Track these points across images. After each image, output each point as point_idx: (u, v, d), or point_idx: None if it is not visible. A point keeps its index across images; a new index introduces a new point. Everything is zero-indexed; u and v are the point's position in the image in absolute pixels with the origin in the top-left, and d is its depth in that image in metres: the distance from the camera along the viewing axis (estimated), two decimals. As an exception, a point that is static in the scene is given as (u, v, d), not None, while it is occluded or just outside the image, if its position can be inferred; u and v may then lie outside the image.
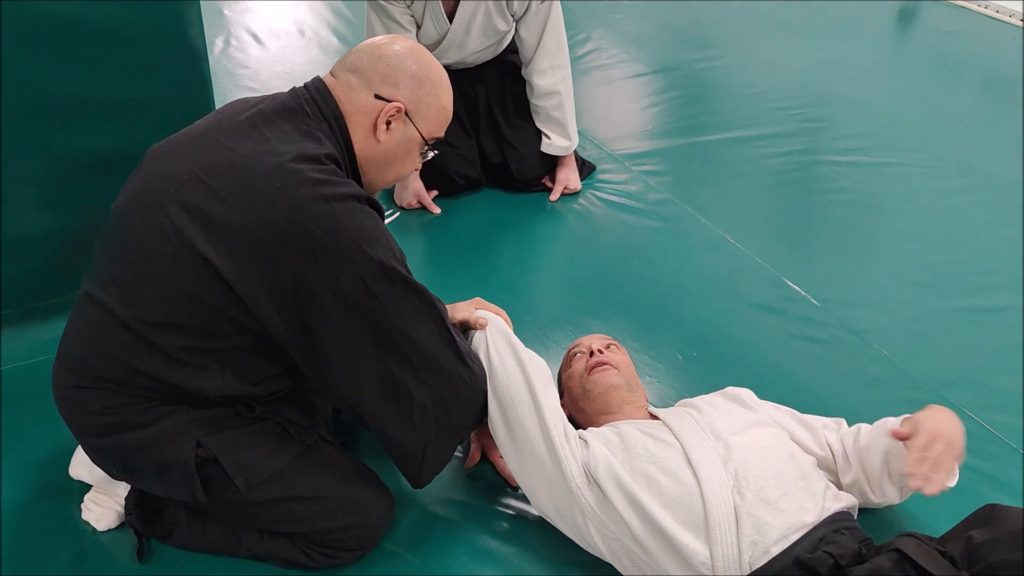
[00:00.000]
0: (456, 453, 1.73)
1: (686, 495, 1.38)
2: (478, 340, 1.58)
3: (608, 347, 1.78)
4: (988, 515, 1.31)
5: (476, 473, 1.73)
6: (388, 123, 1.43)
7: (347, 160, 1.42)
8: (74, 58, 1.81)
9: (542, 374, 1.56)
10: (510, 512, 1.66)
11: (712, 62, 3.65)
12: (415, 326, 1.39)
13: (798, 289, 2.29)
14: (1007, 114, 3.39)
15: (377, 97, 1.41)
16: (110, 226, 1.39)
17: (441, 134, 1.52)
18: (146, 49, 1.87)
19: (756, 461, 1.41)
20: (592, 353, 1.74)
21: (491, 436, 1.65)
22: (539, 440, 1.50)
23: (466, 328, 1.62)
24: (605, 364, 1.70)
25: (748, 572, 1.31)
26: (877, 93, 3.42)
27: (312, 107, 1.40)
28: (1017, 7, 4.15)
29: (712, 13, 4.20)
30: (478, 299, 1.68)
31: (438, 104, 1.47)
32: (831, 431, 1.60)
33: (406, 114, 1.43)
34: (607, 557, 1.47)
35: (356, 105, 1.42)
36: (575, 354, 1.79)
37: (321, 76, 1.45)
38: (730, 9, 4.24)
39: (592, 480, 1.45)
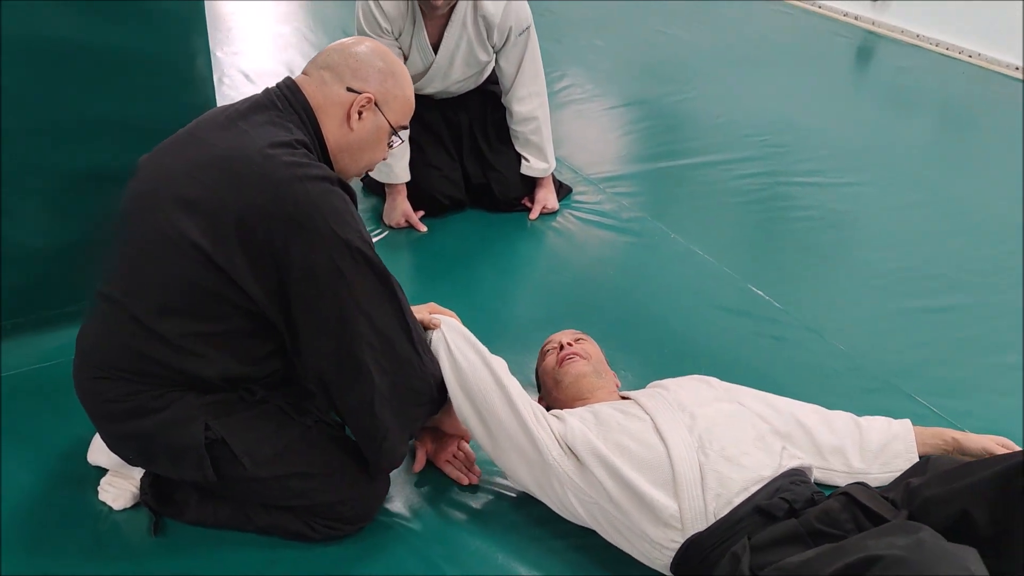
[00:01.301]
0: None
1: (655, 458, 1.52)
2: (436, 339, 1.65)
3: (577, 340, 1.90)
4: (924, 465, 1.47)
5: (422, 480, 1.80)
6: (360, 113, 1.55)
7: (318, 147, 1.53)
8: (91, 82, 1.95)
9: (502, 364, 1.67)
10: (499, 487, 1.78)
11: (681, 95, 3.85)
12: (376, 308, 1.48)
13: (761, 294, 2.46)
14: (955, 139, 3.63)
15: (349, 90, 1.54)
16: (114, 228, 1.53)
17: (406, 123, 1.63)
18: (156, 74, 2.01)
19: (718, 426, 1.57)
20: (562, 347, 1.87)
21: (435, 442, 1.78)
22: (513, 424, 1.61)
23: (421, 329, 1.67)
24: (573, 355, 1.83)
25: (713, 521, 1.45)
26: (837, 122, 3.63)
27: (283, 101, 1.52)
28: (966, 45, 4.40)
29: (681, 51, 4.42)
30: (431, 304, 1.76)
31: (403, 96, 1.60)
32: (850, 455, 1.73)
33: (376, 105, 1.56)
34: (587, 521, 1.60)
35: (330, 98, 1.54)
36: (547, 350, 1.92)
37: (291, 76, 1.58)
38: (699, 47, 4.47)
39: (569, 451, 1.59)
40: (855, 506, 1.38)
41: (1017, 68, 4.20)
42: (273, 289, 1.44)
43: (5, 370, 2.03)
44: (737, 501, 1.46)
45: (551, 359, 1.88)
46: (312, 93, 1.54)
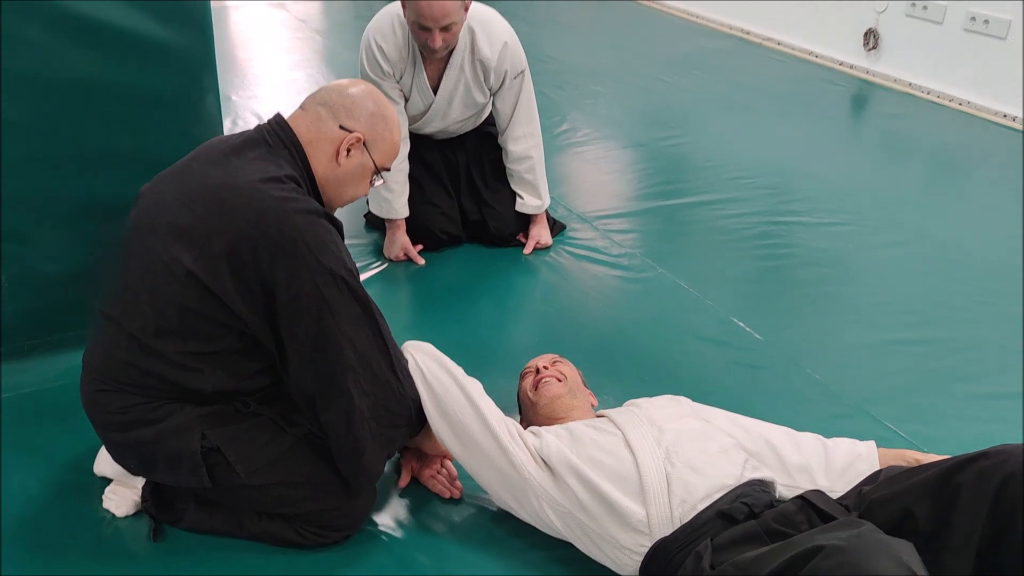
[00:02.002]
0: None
1: (624, 468, 1.62)
2: (412, 368, 1.73)
3: (554, 363, 2.00)
4: (877, 476, 1.56)
5: (407, 492, 1.90)
6: (348, 151, 1.66)
7: (307, 181, 1.64)
8: (104, 117, 2.08)
9: (476, 386, 1.76)
10: (481, 501, 1.87)
11: (676, 140, 3.97)
12: (357, 333, 1.57)
13: (742, 325, 2.56)
14: (942, 183, 3.73)
15: (341, 127, 1.65)
16: (115, 253, 1.65)
17: (389, 165, 1.74)
18: (168, 111, 2.14)
19: (684, 438, 1.66)
20: (538, 371, 1.97)
21: (419, 460, 1.88)
22: (488, 442, 1.70)
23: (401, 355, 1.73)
24: (548, 377, 1.93)
25: (678, 525, 1.54)
26: (827, 166, 3.73)
27: (273, 138, 1.63)
28: (956, 93, 4.53)
29: (679, 98, 4.55)
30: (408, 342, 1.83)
31: (390, 139, 1.71)
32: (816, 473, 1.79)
33: (364, 144, 1.67)
34: (563, 532, 1.68)
35: (323, 133, 1.65)
36: (525, 373, 2.02)
37: (281, 113, 1.69)
38: (696, 95, 4.60)
39: (544, 465, 1.68)
40: (810, 508, 1.47)
41: (1006, 116, 4.32)
42: (262, 311, 1.54)
43: (19, 388, 2.15)
44: (701, 507, 1.55)
45: (528, 382, 1.98)
46: (304, 129, 1.65)
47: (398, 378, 1.66)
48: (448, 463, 1.91)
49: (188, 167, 1.62)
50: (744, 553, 1.39)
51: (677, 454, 1.63)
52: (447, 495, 1.87)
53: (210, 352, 1.60)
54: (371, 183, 1.75)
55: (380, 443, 1.67)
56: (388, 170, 1.76)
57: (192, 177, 1.59)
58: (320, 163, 1.66)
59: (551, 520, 1.68)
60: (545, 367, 1.97)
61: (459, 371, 1.77)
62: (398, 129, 1.73)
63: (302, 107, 1.70)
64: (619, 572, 1.64)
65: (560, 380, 1.93)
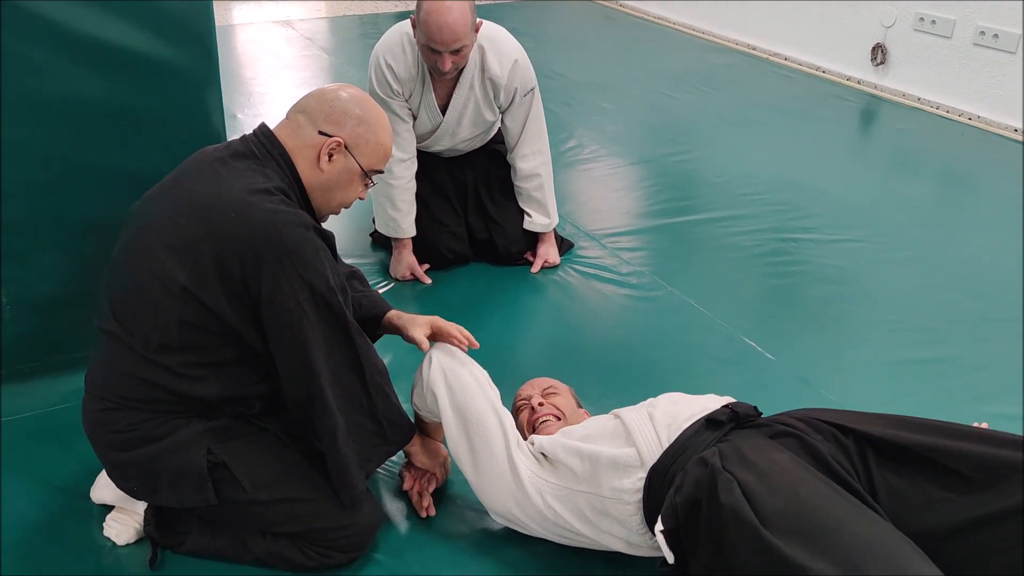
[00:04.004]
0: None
1: (612, 429, 1.68)
2: (431, 365, 1.78)
3: (546, 392, 1.98)
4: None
5: (414, 514, 1.90)
6: (331, 155, 1.65)
7: (296, 190, 1.64)
8: (109, 137, 2.08)
9: (496, 392, 1.79)
10: (488, 525, 1.85)
11: (684, 156, 3.96)
12: (333, 349, 1.58)
13: (753, 344, 2.53)
14: (953, 199, 3.69)
15: (321, 133, 1.64)
16: (110, 270, 1.64)
17: (381, 167, 1.72)
18: (173, 130, 2.13)
19: (667, 402, 1.71)
20: (533, 409, 1.94)
21: (409, 471, 1.89)
22: (499, 443, 1.70)
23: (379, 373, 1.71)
24: (544, 416, 1.91)
25: (667, 445, 1.57)
26: (836, 182, 3.71)
27: (260, 148, 1.63)
28: (966, 107, 4.50)
29: (686, 114, 4.54)
30: (435, 318, 1.85)
31: (376, 140, 1.68)
32: None
33: (346, 148, 1.65)
34: (570, 520, 1.66)
35: (303, 139, 1.64)
36: (520, 407, 1.99)
37: (266, 123, 1.69)
38: (704, 111, 4.59)
39: (541, 456, 1.71)
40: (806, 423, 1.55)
41: (1016, 130, 4.29)
42: (252, 323, 1.56)
43: (19, 411, 2.14)
44: (686, 425, 1.58)
45: (524, 417, 1.95)
46: (286, 136, 1.65)
47: (370, 396, 1.66)
48: (432, 484, 1.90)
49: (177, 183, 1.62)
50: (750, 456, 1.43)
51: (656, 406, 1.69)
52: (422, 514, 1.87)
53: (214, 362, 1.60)
54: (366, 186, 1.74)
55: (359, 460, 1.67)
56: (380, 171, 1.74)
57: (181, 192, 1.59)
58: (304, 170, 1.65)
59: (556, 510, 1.66)
60: (540, 403, 1.95)
61: (479, 371, 1.81)
62: (384, 130, 1.70)
63: (286, 116, 1.70)
64: (631, 551, 1.65)
65: (559, 419, 1.91)
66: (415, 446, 1.84)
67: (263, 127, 1.68)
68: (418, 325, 1.83)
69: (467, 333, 1.84)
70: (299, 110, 1.68)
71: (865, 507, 1.34)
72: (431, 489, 1.90)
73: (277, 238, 1.49)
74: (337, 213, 1.76)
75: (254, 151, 1.63)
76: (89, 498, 1.85)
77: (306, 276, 1.52)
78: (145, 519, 1.77)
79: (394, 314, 1.89)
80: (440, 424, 1.79)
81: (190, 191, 1.58)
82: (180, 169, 1.66)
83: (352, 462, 1.64)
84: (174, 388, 1.59)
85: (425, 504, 1.87)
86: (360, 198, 1.76)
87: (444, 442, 1.86)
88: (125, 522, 1.80)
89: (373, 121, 1.68)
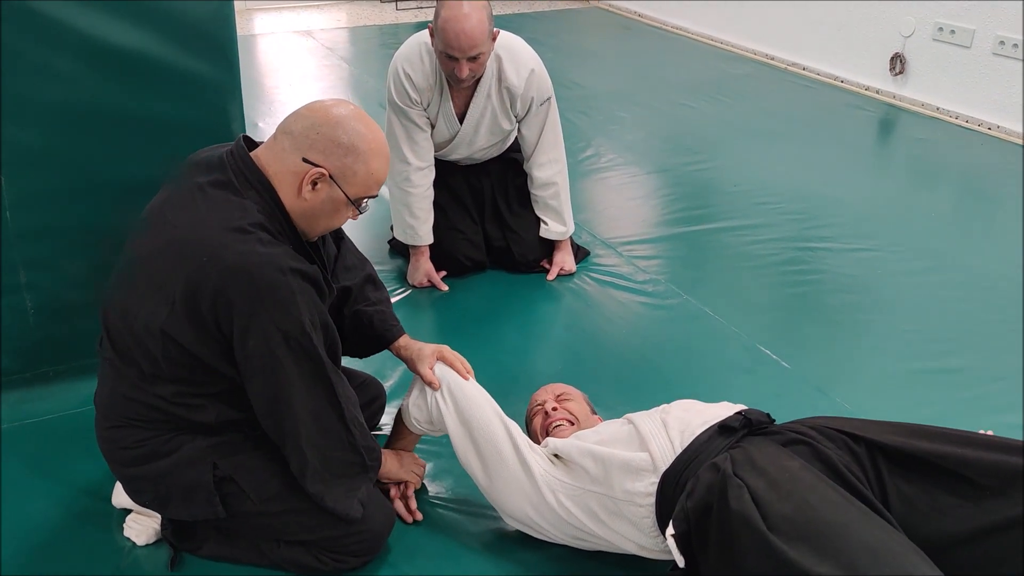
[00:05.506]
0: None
1: (626, 434, 1.69)
2: (439, 393, 1.80)
3: (559, 397, 2.00)
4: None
5: (427, 519, 1.92)
6: (315, 184, 1.54)
7: (280, 216, 1.56)
8: (130, 145, 2.11)
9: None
10: (501, 529, 1.86)
11: (701, 165, 3.96)
12: (309, 389, 1.55)
13: (769, 353, 2.53)
14: (971, 208, 3.68)
15: (305, 160, 1.53)
16: (107, 299, 1.64)
17: (373, 193, 1.61)
18: (195, 138, 2.10)
19: (680, 409, 1.73)
20: (547, 414, 1.96)
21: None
22: (507, 446, 1.72)
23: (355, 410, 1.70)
24: (558, 421, 1.92)
25: (680, 451, 1.58)
26: (854, 191, 3.70)
27: (240, 178, 1.54)
28: (985, 117, 4.49)
29: (704, 123, 4.54)
30: (443, 348, 1.84)
31: (365, 170, 1.56)
32: None
33: (332, 178, 1.54)
34: (583, 521, 1.67)
35: (286, 165, 1.54)
36: (534, 411, 2.01)
37: (244, 143, 1.60)
38: (721, 120, 4.59)
39: (555, 458, 1.73)
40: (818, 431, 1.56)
41: (1036, 140, 4.27)
42: (229, 362, 1.55)
43: (42, 415, 2.18)
44: (699, 432, 1.60)
45: (538, 421, 1.97)
46: (269, 161, 1.56)
47: (348, 429, 1.63)
48: (410, 489, 1.93)
49: (161, 214, 1.57)
50: (761, 465, 1.45)
51: (670, 412, 1.71)
52: (408, 520, 1.90)
53: (208, 393, 1.61)
54: (357, 212, 1.63)
55: (342, 490, 1.67)
56: (373, 196, 1.63)
57: (162, 228, 1.54)
58: (286, 196, 1.56)
59: (569, 510, 1.67)
60: (554, 408, 1.96)
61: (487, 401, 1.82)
62: (377, 158, 1.58)
63: (273, 135, 1.60)
64: (643, 554, 1.66)
65: (572, 423, 1.92)
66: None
67: (241, 150, 1.57)
68: (424, 360, 1.82)
69: (469, 367, 1.85)
70: (286, 131, 1.56)
71: (874, 514, 1.35)
72: (410, 492, 1.92)
73: (249, 283, 1.45)
74: (324, 233, 1.71)
75: (233, 180, 1.54)
76: (110, 501, 1.89)
77: (279, 322, 1.47)
78: (163, 524, 1.80)
79: (402, 343, 1.87)
80: (407, 432, 1.88)
81: (171, 226, 1.52)
82: (164, 196, 1.61)
83: (328, 495, 1.64)
84: (172, 412, 1.61)
85: (413, 507, 1.90)
86: (343, 223, 1.67)
87: (454, 454, 1.86)
88: (144, 523, 1.83)
89: (364, 150, 1.55)
